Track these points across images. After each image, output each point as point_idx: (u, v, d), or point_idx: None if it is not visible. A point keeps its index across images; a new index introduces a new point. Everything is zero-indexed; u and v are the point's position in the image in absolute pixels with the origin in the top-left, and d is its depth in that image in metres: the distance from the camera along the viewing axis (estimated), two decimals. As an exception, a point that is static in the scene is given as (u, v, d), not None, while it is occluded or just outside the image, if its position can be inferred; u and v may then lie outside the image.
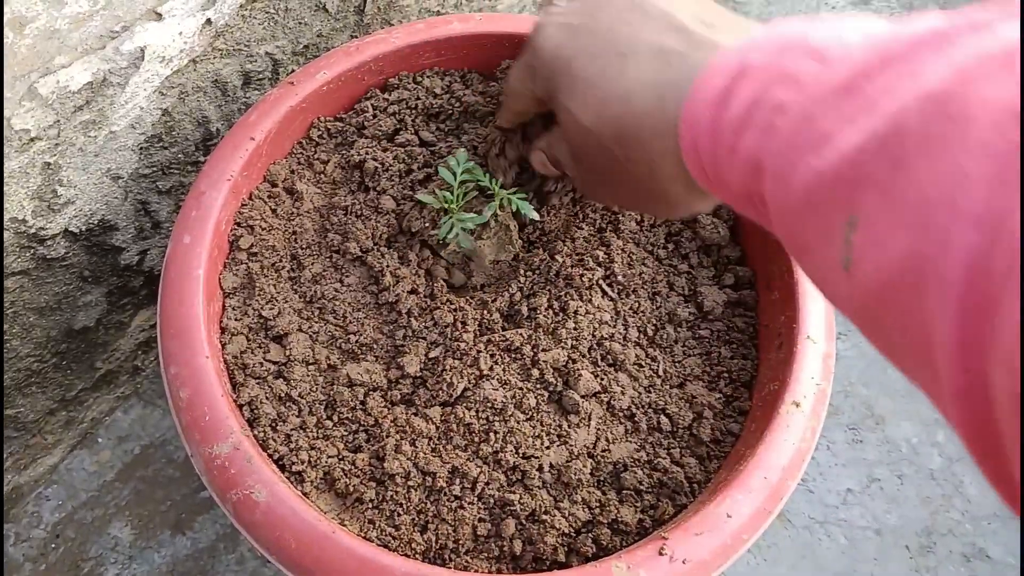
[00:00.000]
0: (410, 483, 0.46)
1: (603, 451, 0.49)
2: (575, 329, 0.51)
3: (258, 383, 0.49)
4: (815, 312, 0.50)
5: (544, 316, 0.52)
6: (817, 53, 0.28)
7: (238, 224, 0.54)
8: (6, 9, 0.46)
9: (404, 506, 0.46)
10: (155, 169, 0.64)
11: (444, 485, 0.46)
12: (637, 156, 0.37)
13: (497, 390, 0.49)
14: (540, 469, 0.47)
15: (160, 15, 0.55)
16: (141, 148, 0.61)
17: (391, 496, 0.46)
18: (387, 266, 0.53)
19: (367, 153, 0.57)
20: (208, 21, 0.58)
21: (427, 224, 0.54)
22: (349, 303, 0.53)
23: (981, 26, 0.23)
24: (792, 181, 0.27)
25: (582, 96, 0.38)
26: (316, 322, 0.52)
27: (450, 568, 0.44)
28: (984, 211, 0.20)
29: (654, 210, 0.42)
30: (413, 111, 0.60)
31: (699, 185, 0.35)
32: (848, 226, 0.25)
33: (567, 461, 0.48)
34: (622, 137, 0.37)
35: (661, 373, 0.52)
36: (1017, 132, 0.19)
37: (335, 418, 0.49)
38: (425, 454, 0.47)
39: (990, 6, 0.24)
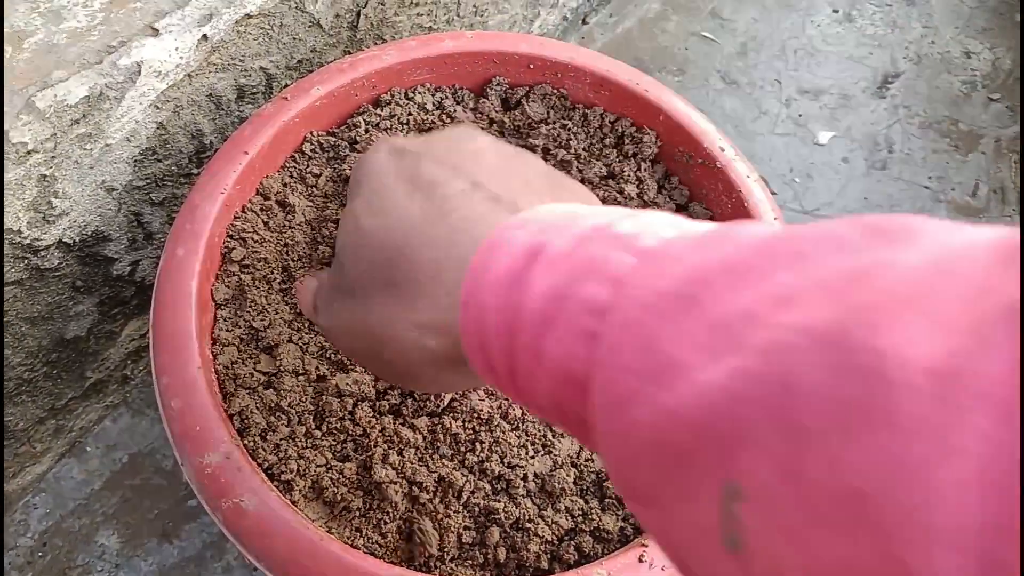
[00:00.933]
0: (397, 492, 0.47)
1: (586, 460, 0.50)
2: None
3: (248, 393, 0.50)
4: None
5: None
6: (629, 244, 0.24)
7: (231, 236, 0.55)
8: (5, 24, 0.47)
9: (391, 514, 0.47)
10: (149, 181, 0.64)
11: (430, 494, 0.47)
12: (406, 299, 0.31)
13: (483, 400, 0.50)
14: (525, 478, 0.48)
15: (157, 31, 0.56)
16: (135, 161, 0.62)
17: (378, 505, 0.47)
18: None
19: (358, 168, 0.58)
20: (204, 37, 0.59)
21: None
22: (339, 315, 0.53)
23: (841, 243, 0.19)
24: (634, 416, 0.21)
25: (376, 205, 0.33)
26: (306, 333, 0.53)
27: (435, 575, 0.45)
28: (971, 529, 0.14)
29: (399, 376, 0.35)
30: (405, 127, 0.61)
31: (477, 373, 0.29)
32: (727, 495, 0.19)
33: (551, 470, 0.49)
34: (397, 268, 0.31)
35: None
36: (977, 415, 0.14)
37: (324, 428, 0.50)
38: (412, 463, 0.48)
39: (845, 222, 0.20)
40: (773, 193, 1.05)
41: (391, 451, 0.49)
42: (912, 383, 0.15)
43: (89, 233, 0.62)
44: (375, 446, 0.49)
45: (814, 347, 0.17)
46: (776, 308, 0.19)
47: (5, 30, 0.47)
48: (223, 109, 0.66)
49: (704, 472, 0.19)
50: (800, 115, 1.13)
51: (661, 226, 0.25)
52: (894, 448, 0.15)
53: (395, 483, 0.48)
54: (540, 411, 0.27)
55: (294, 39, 0.67)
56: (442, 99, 0.63)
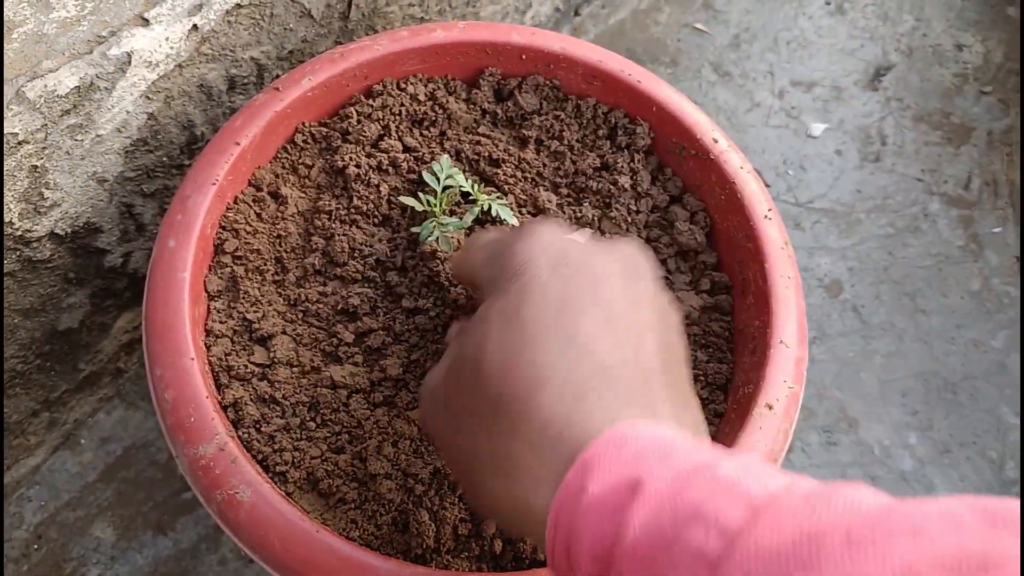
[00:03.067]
0: (392, 483, 0.47)
1: (581, 452, 0.50)
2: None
3: (242, 385, 0.50)
4: (788, 318, 0.51)
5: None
6: (736, 492, 0.25)
7: (223, 228, 0.55)
8: (-5, 14, 0.47)
9: (386, 506, 0.47)
10: (140, 172, 0.64)
11: (426, 486, 0.47)
12: (506, 450, 0.31)
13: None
14: (519, 470, 0.48)
15: (147, 21, 0.56)
16: (127, 151, 0.61)
17: (373, 496, 0.47)
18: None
19: (351, 159, 0.58)
20: (195, 27, 0.59)
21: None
22: (332, 306, 0.53)
23: (961, 525, 0.21)
24: None
25: (508, 335, 0.32)
26: (300, 325, 0.53)
27: (431, 567, 0.45)
28: None
29: (481, 507, 0.36)
30: (397, 117, 0.61)
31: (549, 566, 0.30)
32: None
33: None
34: (505, 417, 0.31)
35: (638, 376, 0.53)
36: None
37: (318, 419, 0.50)
38: (407, 455, 0.48)
39: (961, 502, 0.22)
40: (767, 185, 1.05)
41: (386, 443, 0.49)
42: None
43: (81, 224, 0.62)
44: (370, 438, 0.49)
45: None
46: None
47: (-5, 20, 0.47)
48: (214, 100, 0.66)
49: None
50: (793, 107, 1.13)
51: (764, 474, 0.25)
52: None
53: (390, 475, 0.48)
54: None
55: (285, 29, 0.67)
56: (434, 90, 0.63)
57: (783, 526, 0.23)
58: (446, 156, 0.57)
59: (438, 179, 0.55)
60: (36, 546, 0.75)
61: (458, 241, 0.55)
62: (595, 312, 0.33)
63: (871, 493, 0.24)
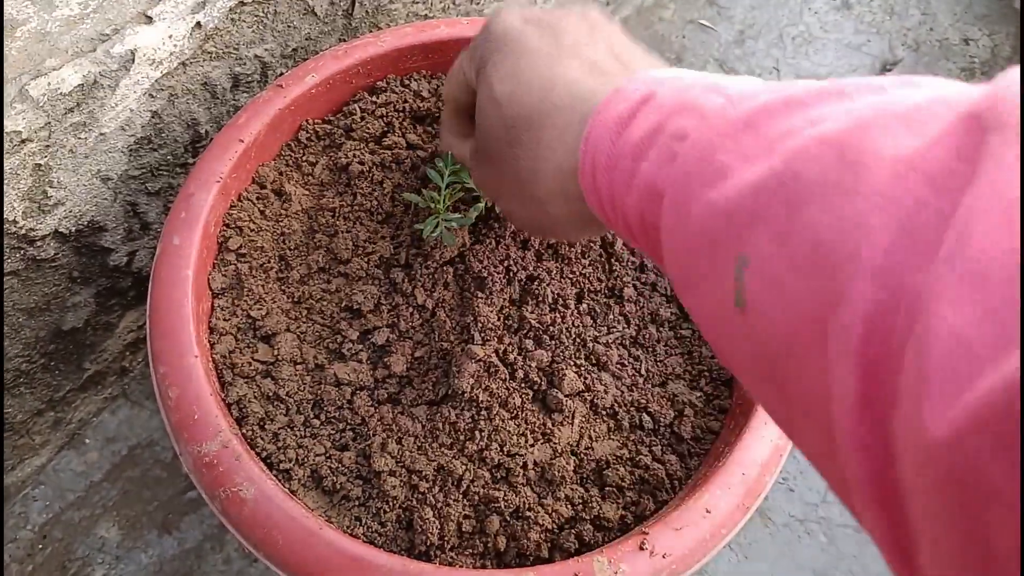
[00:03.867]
0: (396, 480, 0.47)
1: (586, 449, 0.50)
2: (559, 329, 0.52)
3: (246, 382, 0.50)
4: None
5: (530, 316, 0.53)
6: (722, 90, 0.29)
7: (227, 225, 0.54)
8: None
9: (390, 503, 0.47)
10: (144, 171, 0.64)
11: (430, 483, 0.47)
12: (533, 143, 0.37)
13: (482, 389, 0.50)
14: (524, 467, 0.48)
15: (150, 18, 0.56)
16: (131, 150, 0.61)
17: (377, 493, 0.47)
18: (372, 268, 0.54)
19: (354, 155, 0.58)
20: (198, 24, 0.59)
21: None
22: (336, 303, 0.53)
23: (877, 87, 0.24)
24: (688, 212, 0.27)
25: (508, 70, 0.38)
26: (304, 322, 0.53)
27: (435, 564, 0.45)
28: (884, 264, 0.19)
29: (527, 217, 0.41)
30: (401, 114, 0.61)
31: (588, 208, 0.35)
32: (740, 263, 0.25)
33: (551, 459, 0.49)
34: (531, 119, 0.37)
35: (644, 372, 0.53)
36: (916, 184, 0.20)
37: (322, 417, 0.50)
38: (411, 452, 0.48)
39: (889, 77, 0.25)
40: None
41: (390, 440, 0.48)
42: (879, 166, 0.21)
43: (85, 223, 0.62)
44: (374, 435, 0.49)
45: (823, 148, 0.22)
46: (808, 127, 0.24)
47: (-3, 18, 0.47)
48: (218, 98, 0.66)
49: (727, 250, 0.25)
50: (798, 102, 1.12)
51: (755, 82, 0.29)
52: (848, 208, 0.21)
53: (394, 472, 0.47)
54: (629, 231, 0.33)
55: (289, 26, 0.67)
56: (438, 86, 0.62)
57: (746, 104, 0.27)
58: (450, 153, 0.57)
59: (442, 176, 0.55)
60: (41, 546, 0.75)
61: (463, 240, 0.55)
62: (568, 33, 0.38)
63: (836, 78, 0.27)
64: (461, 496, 0.47)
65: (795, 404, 0.23)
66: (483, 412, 0.49)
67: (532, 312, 0.53)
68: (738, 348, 0.26)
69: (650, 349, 0.54)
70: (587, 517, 0.47)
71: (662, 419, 0.51)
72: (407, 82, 0.62)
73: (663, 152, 0.29)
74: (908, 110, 0.22)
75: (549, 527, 0.47)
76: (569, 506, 0.47)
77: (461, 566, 0.45)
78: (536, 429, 0.50)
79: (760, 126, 0.25)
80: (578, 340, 0.53)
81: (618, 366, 0.52)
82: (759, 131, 0.25)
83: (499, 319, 0.53)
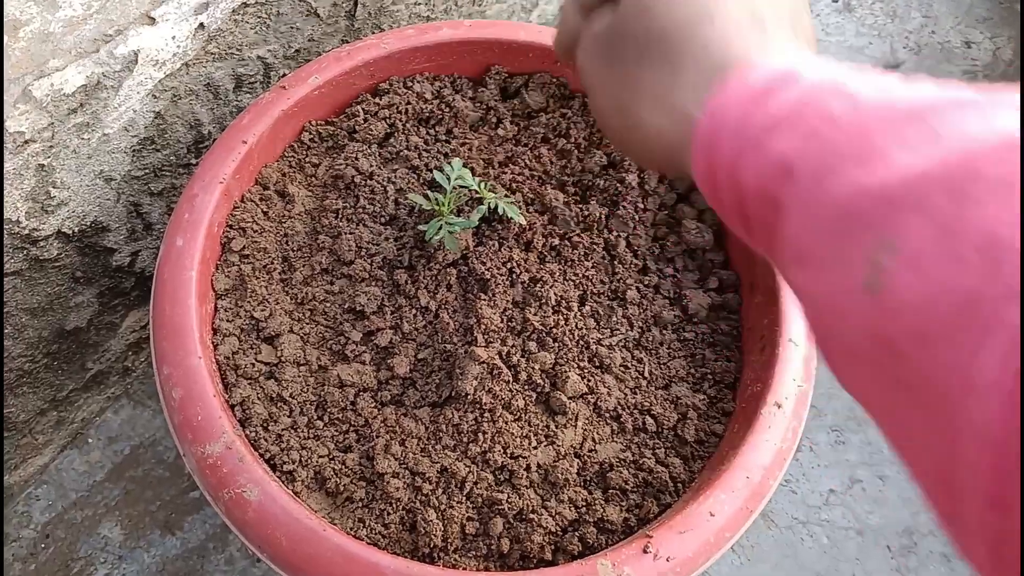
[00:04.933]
0: (399, 482, 0.47)
1: (589, 451, 0.50)
2: (562, 332, 0.52)
3: (250, 383, 0.50)
4: (797, 315, 0.51)
5: (533, 318, 0.53)
6: (877, 84, 0.28)
7: (230, 226, 0.54)
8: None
9: (393, 505, 0.47)
10: (147, 171, 0.64)
11: (433, 484, 0.47)
12: (665, 72, 0.35)
13: (485, 392, 0.50)
14: (528, 469, 0.48)
15: (154, 19, 0.56)
16: (134, 150, 0.61)
17: (381, 495, 0.47)
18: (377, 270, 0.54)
19: (358, 157, 0.58)
20: (201, 25, 0.59)
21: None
22: (339, 305, 0.53)
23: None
24: (828, 189, 0.26)
25: None
26: (307, 323, 0.53)
27: (439, 566, 0.45)
28: None
29: (624, 131, 0.39)
30: (404, 116, 0.61)
31: (684, 160, 0.34)
32: (882, 248, 0.24)
33: (554, 461, 0.49)
34: (669, 38, 0.35)
35: (647, 375, 0.53)
36: None
37: (326, 418, 0.50)
38: (415, 454, 0.48)
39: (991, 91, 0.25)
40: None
41: (393, 441, 0.49)
42: None
43: (88, 223, 0.62)
44: (377, 436, 0.49)
45: (1009, 152, 0.22)
46: (988, 130, 0.23)
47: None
48: (221, 99, 0.66)
49: (869, 233, 0.24)
50: (801, 104, 1.12)
51: (892, 81, 0.28)
52: None
53: (397, 474, 0.47)
54: (736, 203, 0.31)
55: (292, 28, 0.67)
56: (440, 88, 0.62)
57: (904, 94, 0.26)
58: (457, 159, 0.57)
59: (449, 179, 0.55)
60: (44, 545, 0.75)
61: (466, 242, 0.55)
62: None
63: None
64: (464, 498, 0.47)
65: (911, 393, 0.23)
66: (486, 414, 0.49)
67: (535, 314, 0.53)
68: (854, 329, 0.25)
69: (653, 352, 0.54)
70: (590, 520, 0.47)
71: (665, 422, 0.51)
72: (410, 84, 0.62)
73: (803, 130, 0.28)
74: None
75: (552, 529, 0.47)
76: (572, 509, 0.47)
77: (464, 568, 0.45)
78: (539, 431, 0.50)
79: (928, 119, 0.25)
80: (581, 342, 0.53)
81: (621, 368, 0.52)
82: (926, 123, 0.24)
83: (502, 321, 0.53)
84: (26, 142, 0.52)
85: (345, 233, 0.55)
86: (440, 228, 0.53)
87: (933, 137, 0.24)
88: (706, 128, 0.32)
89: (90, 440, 0.80)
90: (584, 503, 0.47)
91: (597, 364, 0.52)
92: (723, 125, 0.31)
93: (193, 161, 0.68)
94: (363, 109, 0.60)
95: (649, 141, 0.37)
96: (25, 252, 0.58)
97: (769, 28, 0.34)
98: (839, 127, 0.27)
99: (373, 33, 0.75)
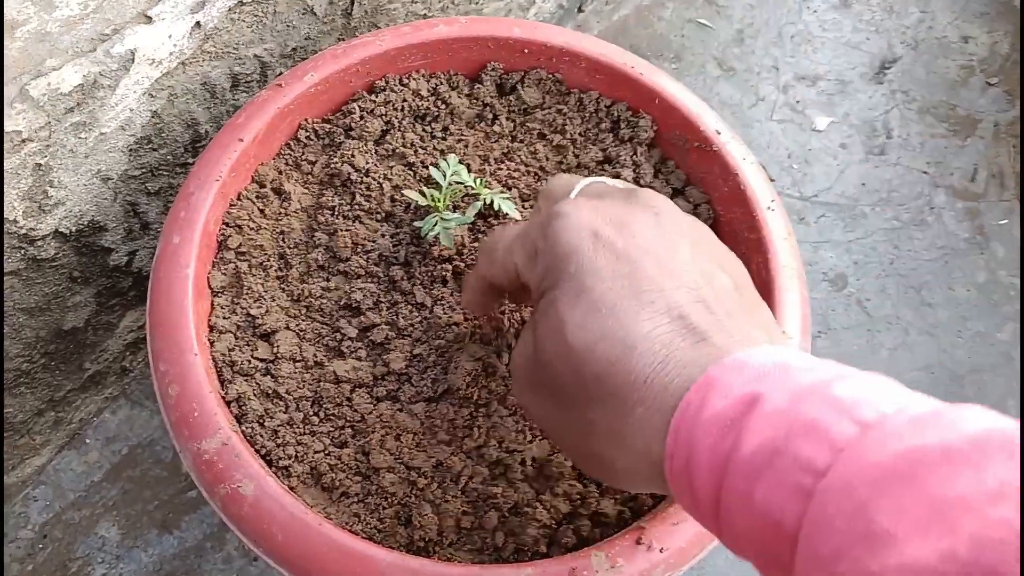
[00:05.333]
0: (395, 477, 0.47)
1: (585, 445, 0.50)
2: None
3: (246, 380, 0.50)
4: (791, 308, 0.51)
5: (527, 314, 0.53)
6: (846, 409, 0.26)
7: (226, 224, 0.55)
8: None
9: (389, 499, 0.47)
10: (144, 171, 0.64)
11: (428, 479, 0.47)
12: (608, 411, 0.33)
13: (479, 388, 0.50)
14: (522, 463, 0.48)
15: (150, 18, 0.56)
16: (131, 150, 0.62)
17: (376, 490, 0.47)
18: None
19: (354, 154, 0.58)
20: (197, 24, 0.59)
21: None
22: (335, 301, 0.53)
23: None
24: (835, 570, 0.24)
25: (582, 315, 0.34)
26: (303, 320, 0.53)
27: (434, 559, 0.45)
28: None
29: (590, 469, 0.38)
30: (400, 113, 0.61)
31: (669, 489, 0.32)
32: None
33: (549, 455, 0.49)
34: (604, 383, 0.33)
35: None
36: None
37: (321, 414, 0.50)
38: (410, 449, 0.48)
39: None
40: (771, 180, 1.05)
41: (388, 436, 0.49)
42: None
43: (85, 223, 0.62)
44: (373, 432, 0.49)
45: (1013, 538, 0.20)
46: (988, 501, 0.21)
47: (-3, 18, 0.47)
48: (218, 98, 0.66)
49: None
50: (797, 101, 1.12)
51: (878, 395, 0.27)
52: None
53: (393, 468, 0.48)
54: (736, 544, 0.29)
55: (288, 26, 0.67)
56: (437, 85, 0.63)
57: (887, 443, 0.24)
58: (454, 155, 0.57)
59: (445, 175, 0.55)
60: (41, 545, 0.76)
61: (461, 238, 0.55)
62: (648, 263, 0.34)
63: (979, 413, 0.25)
64: (460, 492, 0.47)
65: None
66: (481, 409, 0.49)
67: (529, 310, 0.53)
68: None
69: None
70: (585, 513, 0.47)
71: (660, 415, 0.51)
72: (406, 81, 0.62)
73: (789, 485, 0.26)
74: None
75: (547, 523, 0.47)
76: (567, 502, 0.47)
77: (460, 562, 0.46)
78: (534, 426, 0.50)
79: (920, 482, 0.23)
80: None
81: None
82: (922, 489, 0.22)
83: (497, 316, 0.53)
84: (23, 141, 0.53)
85: (341, 230, 0.55)
86: (436, 224, 0.53)
87: (938, 515, 0.22)
88: (676, 466, 0.30)
89: (88, 440, 0.80)
90: (579, 496, 0.48)
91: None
92: (694, 463, 0.29)
93: (190, 160, 0.68)
94: (359, 106, 0.60)
95: (617, 474, 0.35)
96: (23, 252, 0.58)
97: (701, 325, 0.32)
98: (831, 490, 0.25)
99: (369, 31, 0.75)
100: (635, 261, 0.34)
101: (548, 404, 0.37)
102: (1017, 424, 0.23)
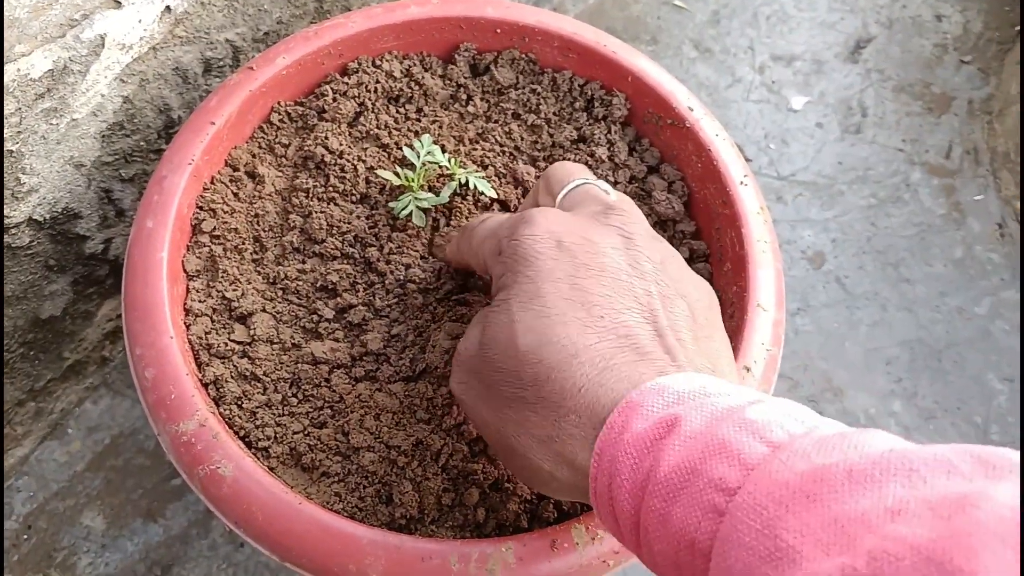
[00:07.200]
0: (375, 455, 0.47)
1: (563, 420, 0.50)
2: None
3: (223, 362, 0.50)
4: (765, 281, 0.52)
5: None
6: (758, 431, 0.27)
7: (200, 208, 0.55)
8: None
9: (369, 478, 0.47)
10: (118, 157, 0.64)
11: (408, 457, 0.48)
12: (542, 414, 0.34)
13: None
14: (501, 439, 0.48)
15: (119, 3, 0.55)
16: (103, 136, 0.61)
17: (356, 469, 0.47)
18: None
19: (327, 137, 0.58)
20: (167, 8, 0.59)
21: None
22: (311, 283, 0.53)
23: (946, 465, 0.22)
24: None
25: (533, 318, 0.35)
26: (279, 302, 0.53)
27: (415, 536, 0.45)
28: None
29: (516, 469, 0.38)
30: (373, 95, 0.61)
31: (593, 508, 0.33)
32: None
33: (527, 430, 0.49)
34: (542, 386, 0.34)
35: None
36: None
37: (300, 395, 0.50)
38: (389, 428, 0.49)
39: (955, 449, 0.23)
40: (748, 160, 1.05)
41: (368, 416, 0.49)
42: None
43: (59, 210, 0.61)
44: (352, 412, 0.49)
45: (918, 563, 0.20)
46: (887, 518, 0.22)
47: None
48: (190, 83, 0.66)
49: None
50: (773, 81, 1.13)
51: (788, 418, 0.28)
52: None
53: (372, 447, 0.48)
54: (654, 565, 0.30)
55: (259, 10, 0.67)
56: (410, 66, 0.62)
57: (795, 463, 0.25)
58: (428, 135, 0.57)
59: (418, 155, 0.55)
60: (26, 536, 0.75)
61: (433, 221, 0.55)
62: (606, 281, 0.36)
63: (883, 437, 0.25)
64: (440, 470, 0.48)
65: None
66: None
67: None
68: None
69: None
70: (564, 487, 0.47)
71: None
72: (379, 63, 0.62)
73: (703, 504, 0.27)
74: (1006, 524, 0.20)
75: (528, 498, 0.47)
76: (546, 476, 0.48)
77: (441, 538, 0.46)
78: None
79: (824, 500, 0.23)
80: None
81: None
82: (825, 507, 0.23)
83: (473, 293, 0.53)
84: (-8, 128, 0.52)
85: (316, 212, 0.55)
86: (408, 203, 0.53)
87: (838, 532, 0.23)
88: (599, 483, 0.31)
89: (70, 430, 0.80)
90: (558, 470, 0.48)
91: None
92: (615, 481, 0.30)
93: (164, 147, 0.68)
94: (332, 89, 0.60)
95: (541, 478, 0.36)
96: (-4, 240, 0.58)
97: (646, 346, 0.34)
98: (742, 508, 0.25)
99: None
100: (592, 276, 0.36)
101: (485, 399, 0.38)
102: (917, 447, 0.24)
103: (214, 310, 0.52)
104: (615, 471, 0.30)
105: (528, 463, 0.36)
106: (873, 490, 0.23)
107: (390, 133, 0.60)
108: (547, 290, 0.36)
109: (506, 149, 0.60)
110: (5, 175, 0.55)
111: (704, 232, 0.58)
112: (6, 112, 0.52)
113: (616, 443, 0.30)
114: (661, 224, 0.59)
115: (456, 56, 0.63)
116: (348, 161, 0.57)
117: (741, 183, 0.55)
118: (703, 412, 0.29)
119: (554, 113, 0.62)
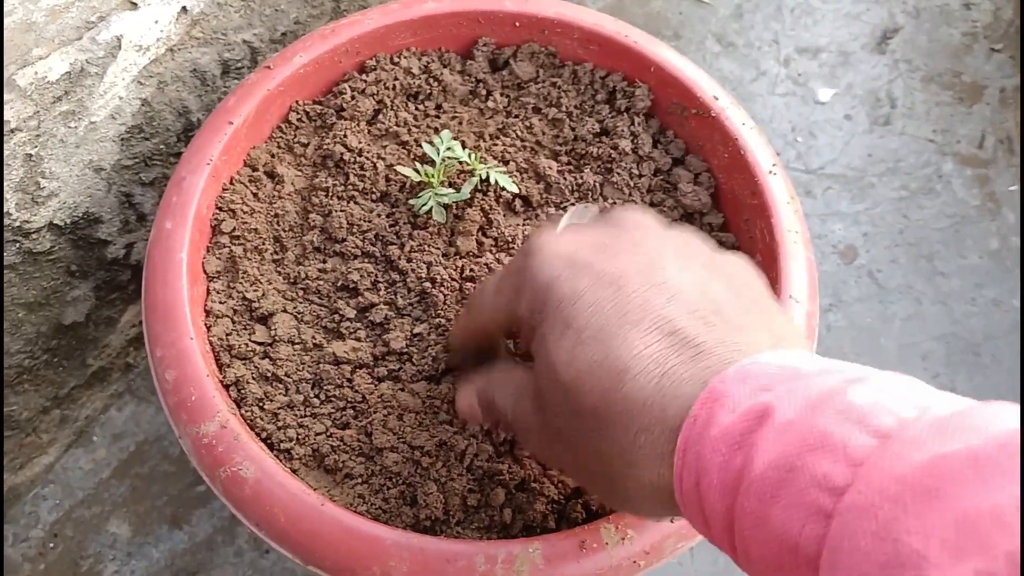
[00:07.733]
0: (398, 456, 0.46)
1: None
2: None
3: (244, 364, 0.49)
4: (797, 273, 0.50)
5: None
6: (865, 419, 0.24)
7: (220, 208, 0.54)
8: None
9: (393, 479, 0.46)
10: (137, 160, 0.64)
11: (432, 458, 0.47)
12: (613, 442, 0.31)
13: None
14: (528, 437, 0.47)
15: (135, 4, 0.55)
16: (122, 139, 0.61)
17: (380, 470, 0.46)
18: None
19: (346, 135, 0.57)
20: (184, 9, 0.58)
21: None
22: (332, 282, 0.53)
23: None
24: None
25: (570, 348, 0.32)
26: (301, 302, 0.52)
27: (440, 538, 0.44)
28: None
29: (614, 502, 0.37)
30: (392, 92, 0.60)
31: (681, 512, 0.31)
32: None
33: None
34: (602, 414, 0.31)
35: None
36: None
37: (322, 396, 0.49)
38: (412, 428, 0.48)
39: None
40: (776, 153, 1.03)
41: (391, 416, 0.48)
42: None
43: (80, 215, 0.61)
44: (374, 412, 0.48)
45: None
46: (1013, 505, 0.19)
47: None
48: (208, 85, 0.65)
49: None
50: (799, 74, 1.11)
51: (897, 399, 0.25)
52: None
53: (396, 448, 0.47)
54: (753, 568, 0.27)
55: (276, 10, 0.66)
56: (428, 63, 0.62)
57: (909, 453, 0.22)
58: (447, 132, 0.56)
59: (438, 151, 0.54)
60: (52, 544, 0.75)
61: (454, 219, 0.54)
62: (632, 281, 0.33)
63: (1008, 412, 0.23)
64: (464, 470, 0.47)
65: None
66: (484, 385, 0.48)
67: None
68: None
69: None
70: (593, 486, 0.46)
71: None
72: (397, 60, 0.61)
73: (806, 505, 0.24)
74: None
75: (555, 498, 0.46)
76: (574, 475, 0.47)
77: (467, 539, 0.45)
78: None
79: (948, 496, 0.21)
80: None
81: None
82: (951, 504, 0.21)
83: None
84: (12, 131, 0.52)
85: (336, 211, 0.54)
86: (429, 199, 0.52)
87: (971, 532, 0.20)
88: (686, 487, 0.29)
89: (95, 438, 0.80)
90: (586, 469, 0.47)
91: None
92: (704, 484, 0.28)
93: (183, 149, 0.67)
94: (350, 87, 0.60)
95: (633, 502, 0.34)
96: (18, 245, 0.58)
97: (698, 337, 0.31)
98: (854, 510, 0.23)
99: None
100: (617, 282, 0.33)
101: (558, 445, 0.35)
102: None
103: (235, 311, 0.51)
104: (702, 470, 0.27)
105: (619, 491, 0.33)
106: (1004, 480, 0.20)
107: (409, 130, 0.59)
108: (574, 313, 0.33)
109: (527, 144, 0.59)
110: (25, 180, 0.55)
111: (732, 224, 0.57)
112: (24, 115, 0.52)
113: (701, 439, 0.28)
114: (688, 217, 0.57)
115: (475, 51, 0.62)
116: (367, 159, 0.56)
117: (770, 172, 0.54)
118: (796, 398, 0.26)
119: (575, 106, 0.61)
